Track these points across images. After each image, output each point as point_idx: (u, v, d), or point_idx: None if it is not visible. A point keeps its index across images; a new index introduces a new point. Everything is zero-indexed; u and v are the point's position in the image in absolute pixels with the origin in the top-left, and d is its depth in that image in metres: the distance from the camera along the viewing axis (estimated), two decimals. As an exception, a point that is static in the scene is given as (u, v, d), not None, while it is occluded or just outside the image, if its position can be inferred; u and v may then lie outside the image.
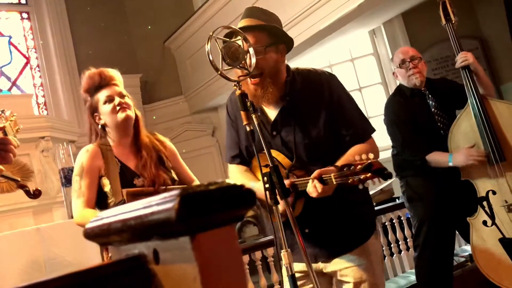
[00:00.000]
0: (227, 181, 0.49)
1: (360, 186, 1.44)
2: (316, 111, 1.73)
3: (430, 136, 2.73)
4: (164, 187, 1.93)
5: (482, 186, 2.58)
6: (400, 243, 3.94)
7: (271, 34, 1.72)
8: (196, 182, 2.15)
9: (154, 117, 6.57)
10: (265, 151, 1.48)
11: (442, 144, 2.66)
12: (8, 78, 6.11)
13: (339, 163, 1.58)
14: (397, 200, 4.24)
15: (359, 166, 1.43)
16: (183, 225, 0.46)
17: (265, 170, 1.48)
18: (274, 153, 1.70)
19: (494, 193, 2.55)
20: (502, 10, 5.42)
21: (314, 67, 1.87)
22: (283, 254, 1.43)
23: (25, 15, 6.48)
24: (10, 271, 3.25)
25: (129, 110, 1.98)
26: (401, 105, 2.82)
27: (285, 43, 1.77)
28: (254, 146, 1.53)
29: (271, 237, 3.52)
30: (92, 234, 0.61)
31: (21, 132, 1.80)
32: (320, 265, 1.77)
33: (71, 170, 4.24)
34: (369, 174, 1.41)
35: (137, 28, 6.81)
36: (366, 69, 6.21)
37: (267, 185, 1.47)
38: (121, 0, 6.92)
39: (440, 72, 5.54)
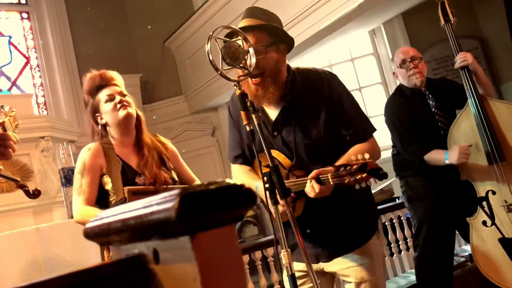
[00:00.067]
0: (227, 180, 0.49)
1: (357, 186, 1.43)
2: (316, 110, 1.72)
3: (430, 136, 2.73)
4: (165, 186, 1.94)
5: (482, 186, 2.58)
6: (400, 243, 3.94)
7: (272, 34, 1.72)
8: (198, 182, 2.16)
9: (154, 117, 6.57)
10: (265, 151, 1.48)
11: (442, 144, 2.66)
12: (8, 78, 6.11)
13: (338, 163, 1.58)
14: (397, 200, 4.24)
15: (355, 167, 1.43)
16: (183, 225, 0.46)
17: (265, 170, 1.48)
18: (275, 153, 1.70)
19: (493, 193, 2.55)
20: (502, 10, 5.42)
21: (315, 66, 1.87)
22: (283, 254, 1.43)
23: (25, 15, 6.48)
24: (10, 271, 3.25)
25: (129, 108, 2.00)
26: (401, 105, 2.82)
27: (285, 43, 1.77)
28: (254, 146, 1.53)
29: (271, 237, 3.52)
30: (92, 234, 0.61)
31: (21, 132, 1.80)
32: (321, 265, 1.77)
33: (71, 170, 4.24)
34: (364, 175, 1.41)
35: (137, 28, 6.81)
36: (366, 69, 6.22)
37: (267, 185, 1.47)
38: (121, 0, 6.92)
39: (440, 72, 5.54)
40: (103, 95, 2.01)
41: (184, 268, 0.48)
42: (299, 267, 1.73)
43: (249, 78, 1.66)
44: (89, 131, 2.10)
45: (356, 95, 1.80)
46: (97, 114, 2.03)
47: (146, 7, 6.80)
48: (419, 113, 2.77)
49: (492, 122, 2.54)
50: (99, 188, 1.96)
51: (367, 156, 1.44)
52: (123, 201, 1.82)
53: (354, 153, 1.51)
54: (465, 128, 2.61)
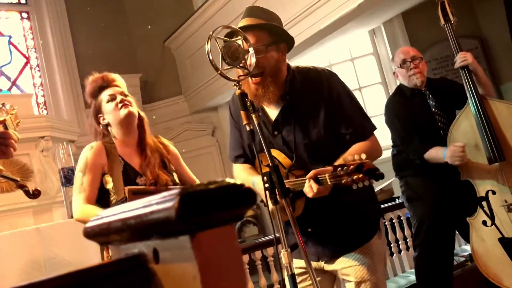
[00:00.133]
0: (227, 180, 0.49)
1: (354, 187, 1.43)
2: (316, 109, 1.72)
3: (430, 136, 2.73)
4: (165, 187, 1.95)
5: (482, 186, 2.58)
6: (400, 242, 3.94)
7: (272, 33, 1.72)
8: None
9: (154, 117, 6.57)
10: (265, 151, 1.48)
11: (442, 144, 2.66)
12: (8, 78, 6.11)
13: (337, 162, 1.58)
14: (397, 200, 4.24)
15: (351, 167, 1.43)
16: (183, 224, 0.45)
17: (266, 170, 1.48)
18: (275, 152, 1.70)
19: (493, 193, 2.55)
20: (502, 9, 5.42)
21: (315, 65, 1.86)
22: (283, 253, 1.43)
23: (25, 15, 6.48)
24: (10, 270, 3.25)
25: (131, 107, 2.02)
26: (401, 105, 2.82)
27: (286, 42, 1.77)
28: (255, 146, 1.53)
29: (271, 237, 3.52)
30: (92, 233, 0.61)
31: (21, 132, 1.80)
32: (321, 263, 1.77)
33: (71, 169, 4.25)
34: (360, 175, 1.41)
35: (137, 28, 6.81)
36: (366, 68, 6.22)
37: (266, 185, 1.47)
38: (121, 0, 6.92)
39: (440, 72, 5.54)
40: (104, 95, 2.04)
41: (184, 267, 0.48)
42: (300, 264, 1.73)
43: (249, 78, 1.66)
44: (92, 132, 2.12)
45: (356, 95, 1.80)
46: (99, 115, 2.06)
47: (146, 7, 6.80)
48: (419, 113, 2.77)
49: (492, 122, 2.53)
50: (99, 187, 1.97)
51: (363, 156, 1.44)
52: (123, 200, 1.83)
53: (353, 153, 1.51)
54: (465, 128, 2.61)
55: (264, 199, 1.49)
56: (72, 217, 2.08)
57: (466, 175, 2.62)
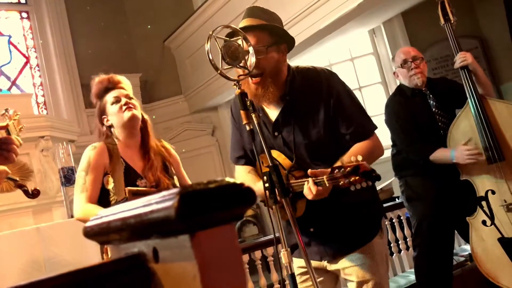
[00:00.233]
0: (227, 179, 0.49)
1: (352, 188, 1.43)
2: (316, 109, 1.72)
3: (430, 136, 2.73)
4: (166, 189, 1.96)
5: (481, 185, 2.58)
6: (399, 242, 3.94)
7: (273, 34, 1.72)
8: None
9: (154, 117, 6.56)
10: (265, 151, 1.48)
11: (442, 144, 2.66)
12: (8, 78, 6.11)
13: (337, 164, 1.57)
14: (396, 199, 4.24)
15: (348, 169, 1.43)
16: (182, 224, 0.45)
17: (266, 170, 1.48)
18: (275, 154, 1.70)
19: (493, 192, 2.55)
20: (502, 9, 5.42)
21: (315, 65, 1.86)
22: (283, 253, 1.43)
23: (24, 15, 6.48)
24: (10, 270, 3.25)
25: (135, 110, 2.03)
26: (401, 104, 2.82)
27: (286, 43, 1.77)
28: (255, 146, 1.53)
29: (270, 236, 3.51)
30: (91, 233, 0.61)
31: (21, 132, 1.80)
32: (324, 263, 1.77)
33: (70, 169, 4.24)
34: (357, 177, 1.41)
35: (137, 27, 6.81)
36: (366, 68, 6.22)
37: (266, 185, 1.47)
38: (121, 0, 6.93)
39: (440, 72, 5.54)
40: (109, 97, 2.05)
41: (183, 266, 0.48)
42: (302, 263, 1.73)
43: (249, 78, 1.66)
44: (96, 132, 2.13)
45: (356, 95, 1.79)
46: (103, 116, 2.07)
47: (146, 7, 6.80)
48: (420, 113, 2.77)
49: (492, 122, 2.53)
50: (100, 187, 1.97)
51: (359, 158, 1.44)
52: (124, 201, 1.83)
53: (353, 154, 1.51)
54: (464, 127, 2.61)
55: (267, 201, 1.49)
56: (72, 216, 2.08)
57: (465, 175, 2.62)
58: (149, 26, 6.73)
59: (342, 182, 1.44)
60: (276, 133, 1.75)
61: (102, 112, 2.07)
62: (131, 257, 0.55)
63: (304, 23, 4.66)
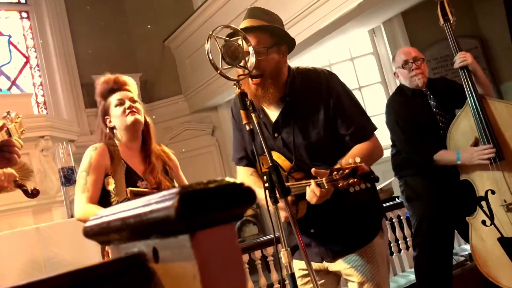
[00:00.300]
0: (227, 179, 0.49)
1: (351, 190, 1.43)
2: (315, 110, 1.71)
3: (430, 136, 2.72)
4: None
5: (481, 185, 2.58)
6: (399, 242, 3.94)
7: (273, 35, 1.71)
8: None
9: (153, 117, 6.56)
10: (265, 151, 1.48)
11: (443, 144, 2.65)
12: (8, 78, 6.11)
13: (336, 165, 1.57)
14: (396, 199, 4.24)
15: (346, 171, 1.43)
16: (182, 223, 0.45)
17: (266, 170, 1.48)
18: (275, 155, 1.69)
19: (493, 192, 2.55)
20: (502, 9, 5.42)
21: (315, 66, 1.86)
22: (283, 253, 1.43)
23: (24, 15, 6.48)
24: (10, 270, 3.25)
25: (138, 114, 2.03)
26: (402, 105, 2.81)
27: (287, 44, 1.77)
28: (255, 146, 1.53)
29: (270, 236, 3.52)
30: (91, 233, 0.61)
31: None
32: (325, 264, 1.77)
33: (70, 169, 4.25)
34: (355, 179, 1.41)
35: (137, 27, 6.81)
36: (365, 68, 6.22)
37: (266, 184, 1.47)
38: (121, -1, 6.93)
39: (439, 72, 5.54)
40: (114, 98, 2.05)
41: (183, 266, 0.48)
42: (302, 265, 1.73)
43: (249, 78, 1.65)
44: (98, 132, 2.13)
45: (356, 95, 1.79)
46: (106, 117, 2.07)
47: (146, 7, 6.79)
48: (420, 113, 2.77)
49: (491, 122, 2.53)
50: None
51: (358, 160, 1.44)
52: (125, 201, 1.83)
53: (352, 155, 1.51)
54: (464, 127, 2.61)
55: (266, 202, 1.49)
56: (72, 216, 2.09)
57: (465, 175, 2.62)
58: (149, 26, 6.73)
59: (340, 184, 1.44)
60: (276, 134, 1.75)
61: (106, 112, 2.07)
62: (131, 257, 0.55)
63: (304, 23, 4.66)
